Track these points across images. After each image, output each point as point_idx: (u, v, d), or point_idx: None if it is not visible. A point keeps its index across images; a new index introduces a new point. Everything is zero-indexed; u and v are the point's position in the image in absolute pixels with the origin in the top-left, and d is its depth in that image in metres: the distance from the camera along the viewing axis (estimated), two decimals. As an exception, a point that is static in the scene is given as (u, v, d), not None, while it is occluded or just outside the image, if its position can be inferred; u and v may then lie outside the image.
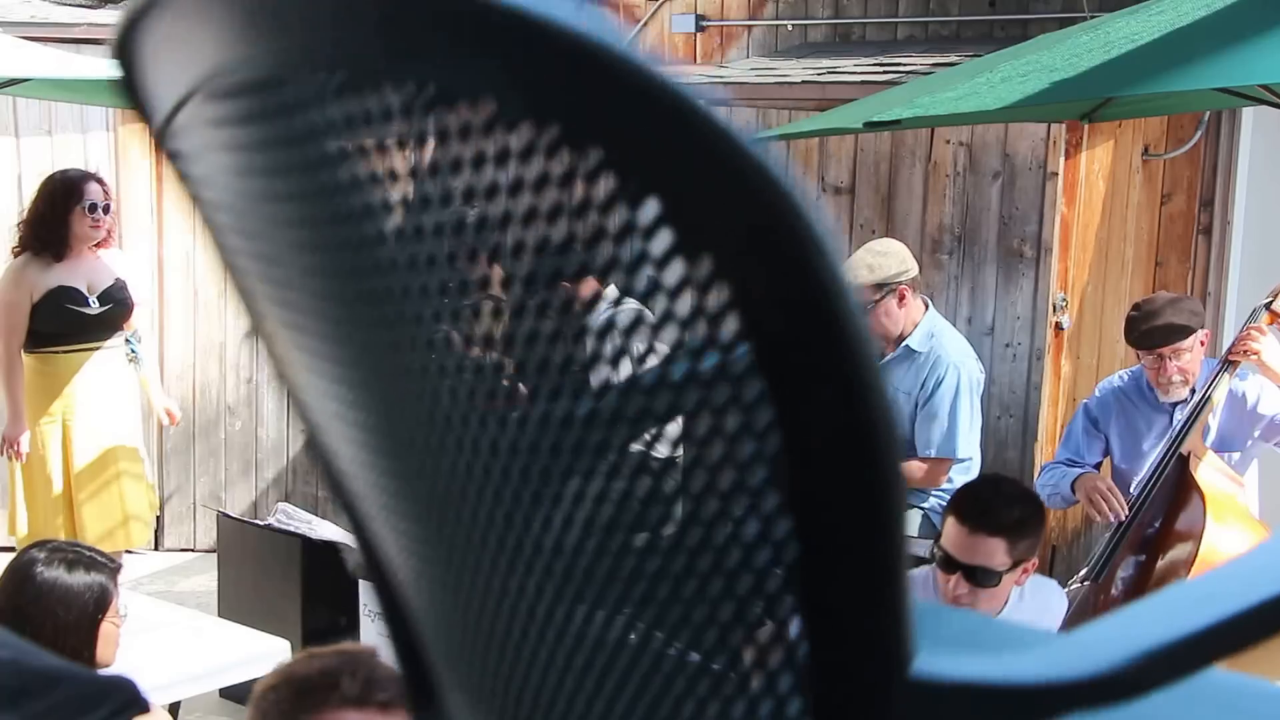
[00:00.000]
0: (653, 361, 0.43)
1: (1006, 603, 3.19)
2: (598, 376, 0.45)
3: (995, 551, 3.01)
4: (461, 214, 0.45)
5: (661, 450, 0.45)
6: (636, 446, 0.45)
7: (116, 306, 4.83)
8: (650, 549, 0.45)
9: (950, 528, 3.07)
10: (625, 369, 0.44)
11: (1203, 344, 4.10)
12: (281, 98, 0.47)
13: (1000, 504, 3.10)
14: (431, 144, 0.44)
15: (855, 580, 0.41)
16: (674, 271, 0.41)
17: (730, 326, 0.40)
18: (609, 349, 0.44)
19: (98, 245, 4.83)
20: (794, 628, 0.42)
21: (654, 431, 0.44)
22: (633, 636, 0.46)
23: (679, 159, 0.39)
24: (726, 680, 0.44)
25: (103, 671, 2.82)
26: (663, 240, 0.40)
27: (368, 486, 0.59)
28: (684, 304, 0.41)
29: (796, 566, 0.41)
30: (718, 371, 0.41)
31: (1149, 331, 4.02)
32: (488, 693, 0.55)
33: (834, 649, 0.42)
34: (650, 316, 0.43)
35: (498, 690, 0.54)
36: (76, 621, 2.85)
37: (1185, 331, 3.98)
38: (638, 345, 0.44)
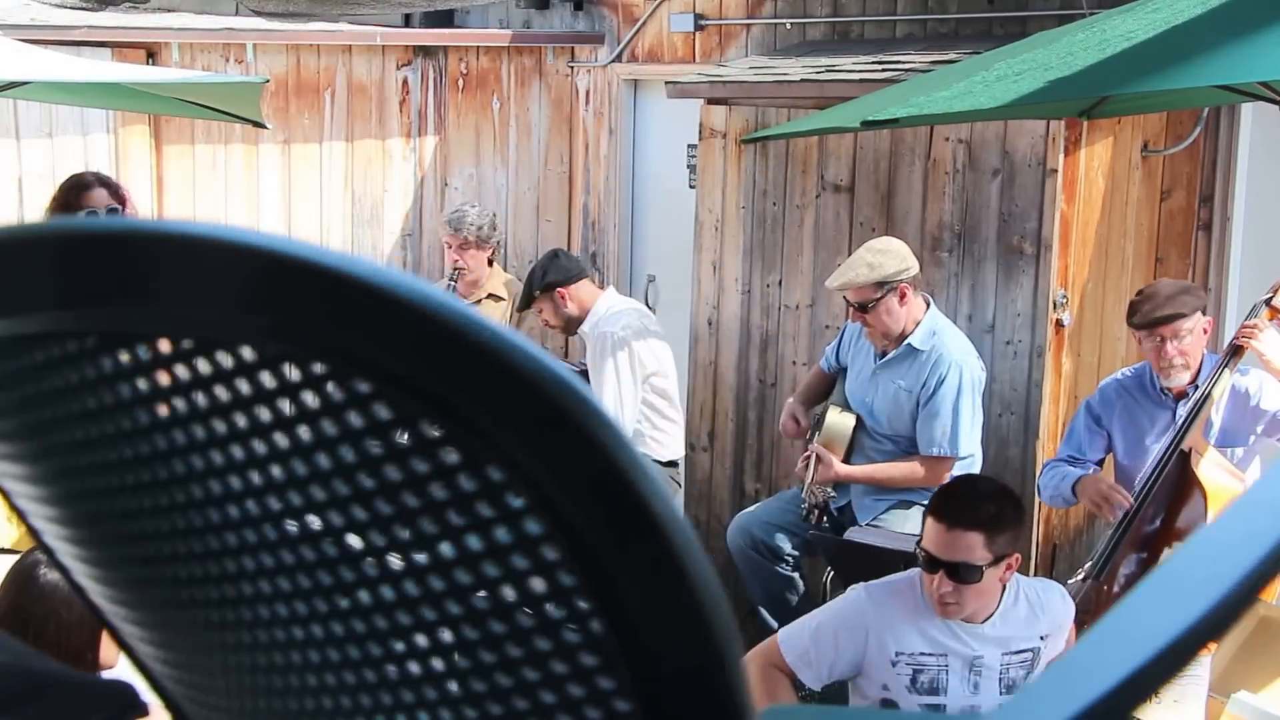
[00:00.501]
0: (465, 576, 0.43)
1: (1000, 604, 3.21)
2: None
3: (974, 546, 3.06)
4: (235, 455, 0.45)
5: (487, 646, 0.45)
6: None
7: None
8: None
9: (930, 527, 3.13)
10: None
11: (1206, 332, 4.10)
12: (32, 360, 0.47)
13: (976, 500, 3.18)
14: (196, 391, 0.44)
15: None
16: (464, 484, 0.41)
17: (530, 527, 0.40)
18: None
19: None
20: None
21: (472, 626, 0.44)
22: None
23: (448, 379, 0.39)
24: None
25: (105, 673, 2.83)
26: (450, 456, 0.40)
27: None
28: (475, 510, 0.41)
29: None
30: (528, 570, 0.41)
31: (1150, 312, 4.02)
32: None
33: None
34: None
35: None
36: (79, 622, 2.85)
37: (1183, 312, 3.99)
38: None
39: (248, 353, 0.42)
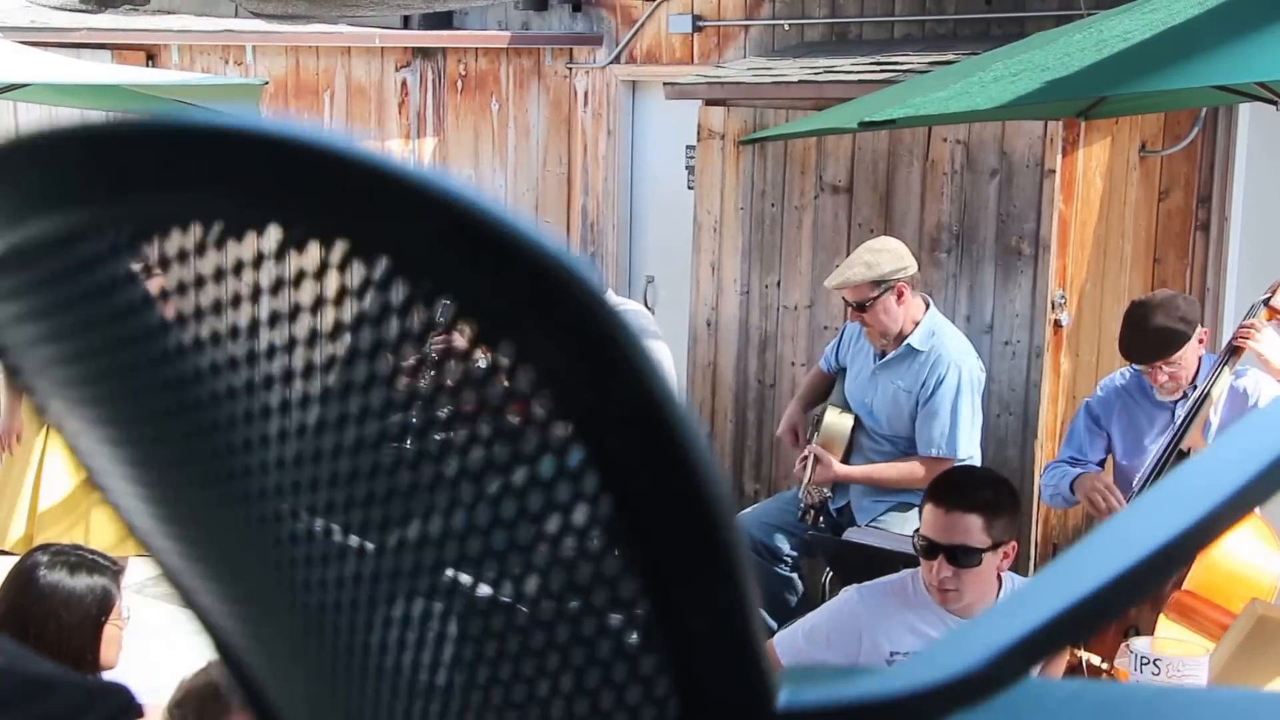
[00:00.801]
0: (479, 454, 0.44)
1: (997, 601, 3.22)
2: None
3: (973, 529, 3.10)
4: (268, 338, 0.46)
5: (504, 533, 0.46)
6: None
7: None
8: (505, 634, 0.46)
9: (928, 513, 3.17)
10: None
11: (1201, 341, 4.10)
12: (74, 258, 0.48)
13: (973, 484, 3.26)
14: (227, 277, 0.46)
15: (710, 629, 0.42)
16: (479, 365, 0.42)
17: (539, 408, 0.41)
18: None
19: None
20: (661, 686, 0.43)
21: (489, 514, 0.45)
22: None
23: (461, 257, 0.40)
24: None
25: (105, 674, 2.84)
26: (463, 337, 0.41)
27: (224, 618, 0.61)
28: (495, 390, 0.42)
29: (652, 623, 0.43)
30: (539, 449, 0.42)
31: (1138, 349, 4.05)
32: None
33: (702, 697, 0.43)
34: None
35: None
36: (80, 624, 2.86)
37: (1173, 347, 3.99)
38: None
39: (275, 234, 0.43)
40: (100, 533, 4.87)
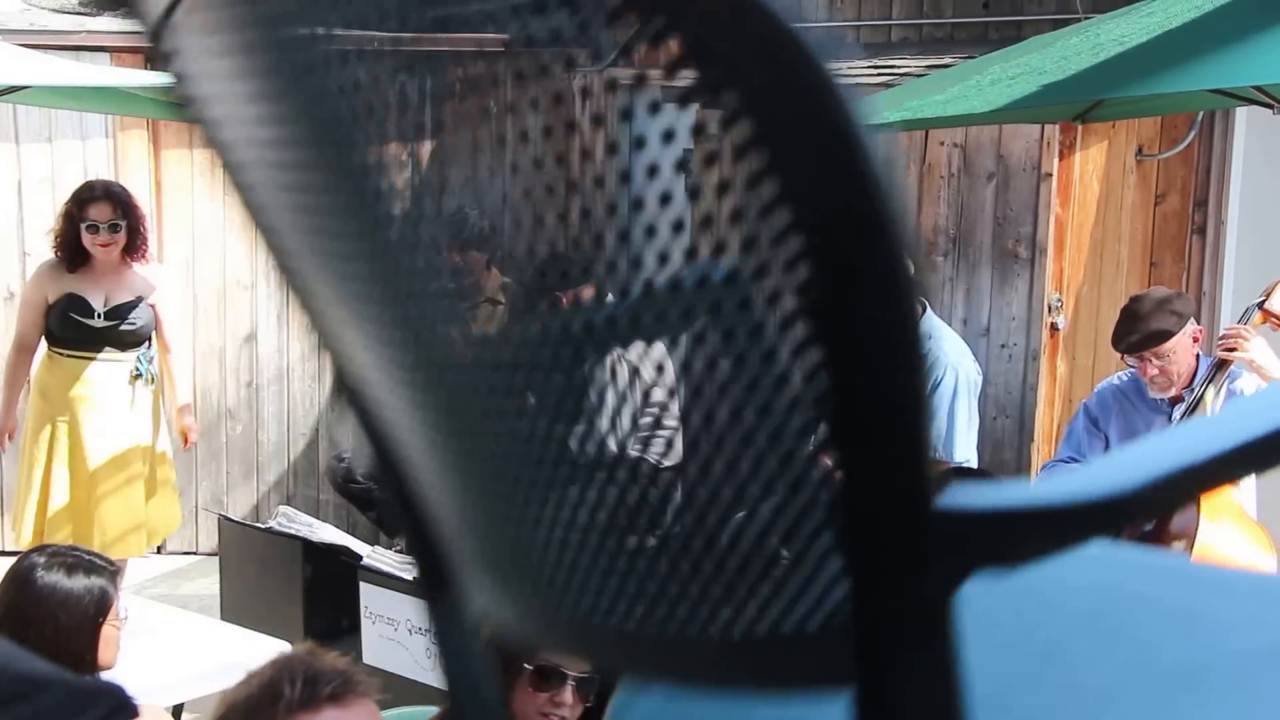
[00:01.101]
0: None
1: None
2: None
3: None
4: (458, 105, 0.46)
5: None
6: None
7: (121, 323, 4.87)
8: (673, 403, 0.47)
9: None
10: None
11: (1196, 340, 4.11)
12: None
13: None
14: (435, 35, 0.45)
15: (882, 409, 0.42)
16: (691, 117, 0.42)
17: (754, 163, 0.41)
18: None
19: (133, 259, 4.86)
20: (826, 461, 0.43)
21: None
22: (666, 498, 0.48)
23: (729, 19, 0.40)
24: (763, 528, 0.46)
25: (103, 674, 2.85)
26: (686, 76, 0.41)
27: (388, 385, 0.60)
28: (708, 147, 0.42)
29: (827, 396, 0.42)
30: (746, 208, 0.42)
31: (1126, 340, 4.06)
32: (517, 571, 0.57)
33: (865, 479, 0.43)
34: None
35: (527, 566, 0.55)
36: (78, 625, 2.87)
37: (1161, 337, 4.00)
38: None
39: None
40: (105, 533, 4.88)
